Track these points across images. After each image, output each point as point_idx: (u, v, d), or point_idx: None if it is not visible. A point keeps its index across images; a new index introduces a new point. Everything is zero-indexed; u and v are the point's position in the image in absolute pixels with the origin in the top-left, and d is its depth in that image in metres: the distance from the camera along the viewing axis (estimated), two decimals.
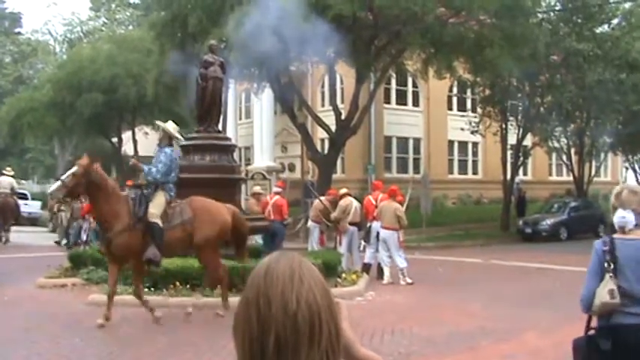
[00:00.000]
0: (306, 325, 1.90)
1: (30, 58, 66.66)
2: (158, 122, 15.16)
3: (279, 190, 23.76)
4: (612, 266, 5.78)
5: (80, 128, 49.44)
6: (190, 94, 21.77)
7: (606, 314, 5.85)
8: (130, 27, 63.64)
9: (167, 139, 14.08)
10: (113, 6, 67.91)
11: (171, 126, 14.24)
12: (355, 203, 21.68)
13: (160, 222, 13.18)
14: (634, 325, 5.74)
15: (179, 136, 14.71)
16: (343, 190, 22.45)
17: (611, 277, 5.76)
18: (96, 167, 13.15)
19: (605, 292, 5.70)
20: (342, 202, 21.50)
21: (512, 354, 11.27)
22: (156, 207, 13.27)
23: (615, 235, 5.93)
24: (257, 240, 23.86)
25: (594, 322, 6.03)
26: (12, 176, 32.01)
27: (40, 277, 18.25)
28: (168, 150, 13.87)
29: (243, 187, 27.15)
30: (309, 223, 24.36)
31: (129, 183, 26.09)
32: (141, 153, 51.23)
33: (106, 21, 66.84)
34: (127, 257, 13.40)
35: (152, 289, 16.08)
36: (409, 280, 19.49)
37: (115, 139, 53.29)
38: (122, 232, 12.97)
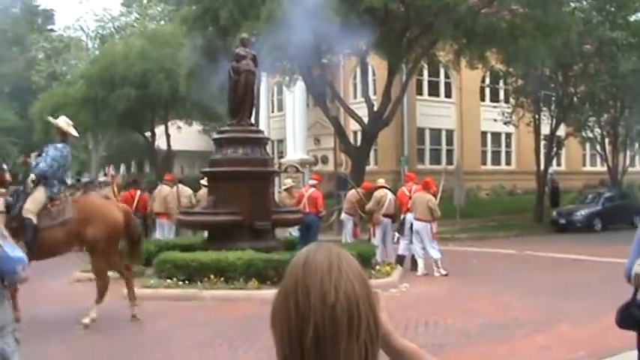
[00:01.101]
0: (344, 316, 1.89)
1: (63, 54, 66.96)
2: (49, 118, 14.14)
3: (315, 182, 23.76)
4: None
5: (113, 123, 49.63)
6: (223, 87, 21.77)
7: None
8: (162, 22, 63.78)
9: (60, 135, 13.17)
10: (145, 1, 68.09)
11: (62, 121, 13.34)
12: (390, 195, 21.65)
13: (33, 218, 12.32)
14: None
15: (73, 131, 13.43)
16: (381, 181, 22.44)
17: None
18: None
19: (638, 263, 5.86)
20: (377, 194, 21.50)
21: (547, 345, 11.20)
22: (33, 203, 12.41)
23: None
24: (291, 232, 23.96)
25: None
26: None
27: (76, 272, 18.34)
28: (59, 145, 12.98)
29: (276, 179, 27.17)
30: (343, 215, 24.38)
31: (168, 177, 26.17)
32: (174, 147, 51.59)
33: (137, 16, 66.97)
34: None
35: (187, 281, 16.18)
36: (443, 272, 19.45)
37: (148, 134, 53.49)
38: None
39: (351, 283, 1.93)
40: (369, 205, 21.47)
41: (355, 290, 1.92)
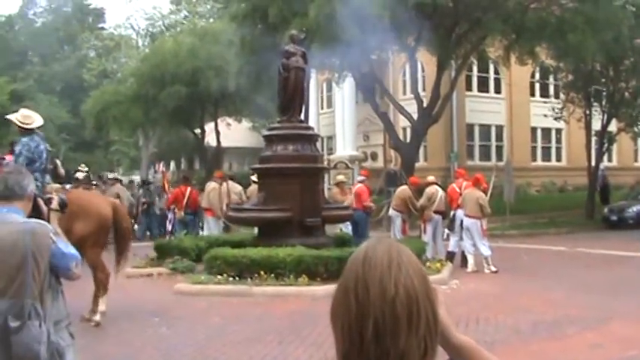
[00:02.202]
0: (404, 311, 1.92)
1: (114, 52, 67.69)
2: (7, 116, 13.10)
3: (362, 178, 23.89)
4: None
5: (164, 120, 50.08)
6: (272, 84, 21.87)
7: None
8: (211, 19, 64.13)
9: (24, 131, 12.22)
10: None
11: (20, 115, 12.34)
12: (441, 192, 21.63)
13: None
14: None
15: (36, 121, 12.35)
16: (431, 178, 22.42)
17: None
18: None
19: None
20: (428, 190, 21.49)
21: (599, 343, 11.11)
22: None
23: None
24: (342, 228, 24.04)
25: None
26: (86, 172, 32.60)
27: (127, 267, 18.52)
28: (25, 139, 12.16)
29: (326, 176, 27.24)
30: (391, 211, 24.35)
31: (218, 175, 26.29)
32: (223, 144, 51.87)
33: (187, 14, 67.44)
34: None
35: (237, 277, 16.28)
36: (493, 269, 19.36)
37: (197, 131, 53.84)
38: None
39: (411, 278, 1.96)
40: (421, 202, 21.47)
41: (415, 286, 1.96)
